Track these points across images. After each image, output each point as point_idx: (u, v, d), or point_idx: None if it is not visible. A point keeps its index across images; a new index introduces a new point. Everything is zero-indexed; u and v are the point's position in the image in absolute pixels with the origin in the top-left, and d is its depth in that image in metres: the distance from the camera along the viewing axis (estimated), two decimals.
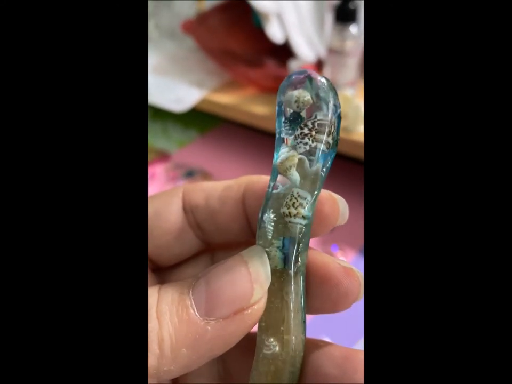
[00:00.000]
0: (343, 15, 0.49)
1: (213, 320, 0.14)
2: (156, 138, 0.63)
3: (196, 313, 0.14)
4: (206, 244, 0.20)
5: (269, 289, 0.15)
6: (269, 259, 0.16)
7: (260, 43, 0.57)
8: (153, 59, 0.67)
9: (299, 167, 0.16)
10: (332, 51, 0.51)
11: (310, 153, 0.16)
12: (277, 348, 0.16)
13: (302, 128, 0.16)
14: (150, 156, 0.59)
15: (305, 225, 0.16)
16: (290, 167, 0.16)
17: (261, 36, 0.55)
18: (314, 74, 0.16)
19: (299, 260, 0.16)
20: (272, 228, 0.16)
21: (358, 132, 0.48)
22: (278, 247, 0.16)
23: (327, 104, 0.16)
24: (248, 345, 0.17)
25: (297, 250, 0.16)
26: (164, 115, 0.66)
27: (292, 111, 0.16)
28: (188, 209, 0.19)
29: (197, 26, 0.60)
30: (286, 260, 0.16)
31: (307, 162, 0.16)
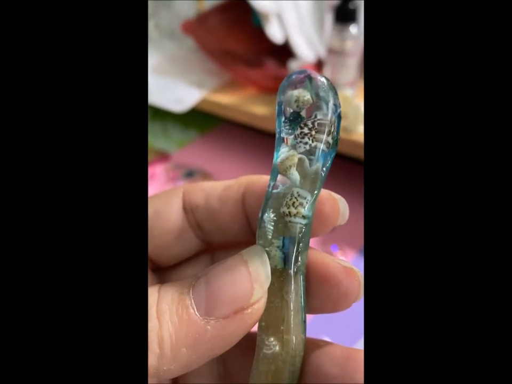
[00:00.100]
0: (343, 15, 0.49)
1: (213, 320, 0.14)
2: (156, 139, 0.63)
3: (196, 312, 0.14)
4: (206, 243, 0.20)
5: (269, 288, 0.15)
6: (269, 258, 0.16)
7: (259, 43, 0.57)
8: (153, 59, 0.67)
9: (299, 167, 0.16)
10: (331, 51, 0.51)
11: (310, 152, 0.16)
12: (277, 348, 0.16)
13: (302, 128, 0.16)
14: (150, 156, 0.59)
15: (305, 224, 0.16)
16: (290, 166, 0.16)
17: (261, 36, 0.55)
18: (314, 74, 0.16)
19: (299, 259, 0.16)
20: (272, 228, 0.16)
21: (357, 132, 0.48)
22: (278, 247, 0.16)
23: (327, 104, 0.16)
24: (248, 344, 0.17)
25: (297, 250, 0.16)
26: (163, 115, 0.66)
27: (291, 110, 0.16)
28: (188, 209, 0.19)
29: (197, 27, 0.60)
30: (286, 260, 0.16)
31: (307, 161, 0.16)
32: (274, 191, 0.16)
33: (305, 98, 0.16)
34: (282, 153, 0.16)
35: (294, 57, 0.55)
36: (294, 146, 0.16)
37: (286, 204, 0.16)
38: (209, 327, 0.14)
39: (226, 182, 0.19)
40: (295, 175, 0.16)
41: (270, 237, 0.16)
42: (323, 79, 0.16)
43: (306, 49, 0.55)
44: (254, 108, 0.55)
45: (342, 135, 0.48)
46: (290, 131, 0.17)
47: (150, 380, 0.14)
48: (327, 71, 0.53)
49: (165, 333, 0.14)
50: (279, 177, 0.17)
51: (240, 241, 0.19)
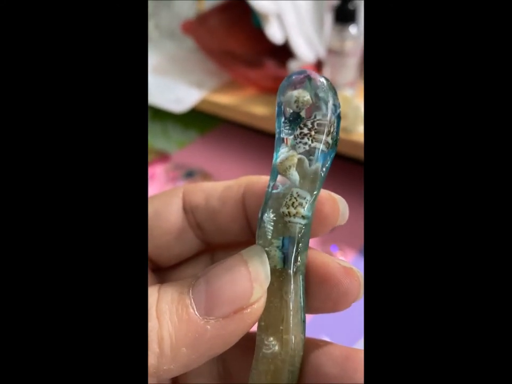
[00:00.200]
0: (343, 16, 0.49)
1: (213, 319, 0.14)
2: (156, 139, 0.63)
3: (196, 312, 0.14)
4: (206, 244, 0.20)
5: (269, 288, 0.15)
6: (269, 258, 0.16)
7: (259, 43, 0.57)
8: (153, 59, 0.67)
9: (299, 167, 0.16)
10: (331, 51, 0.51)
11: (310, 153, 0.16)
12: (276, 347, 0.16)
13: (301, 128, 0.16)
14: (150, 156, 0.59)
15: (304, 225, 0.16)
16: (290, 167, 0.16)
17: (261, 37, 0.55)
18: (314, 74, 0.16)
19: (298, 259, 0.16)
20: (271, 228, 0.16)
21: (357, 132, 0.48)
22: (277, 247, 0.16)
23: (327, 104, 0.16)
24: (247, 344, 0.17)
25: (296, 250, 0.16)
26: (163, 115, 0.66)
27: (291, 111, 0.17)
28: (188, 210, 0.19)
29: (197, 27, 0.60)
30: (285, 260, 0.16)
31: (307, 162, 0.16)
32: (274, 191, 0.17)
33: (305, 98, 0.16)
34: (282, 153, 0.16)
35: (294, 57, 0.55)
36: (293, 147, 0.16)
37: (285, 204, 0.16)
38: (209, 327, 0.14)
39: (226, 182, 0.19)
40: (294, 175, 0.16)
41: (269, 237, 0.16)
42: (323, 80, 0.16)
43: (306, 50, 0.55)
44: (254, 108, 0.55)
45: (342, 135, 0.48)
46: (290, 131, 0.17)
47: (149, 380, 0.14)
48: (326, 71, 0.53)
49: (164, 333, 0.14)
50: (279, 177, 0.17)
51: (240, 241, 0.19)
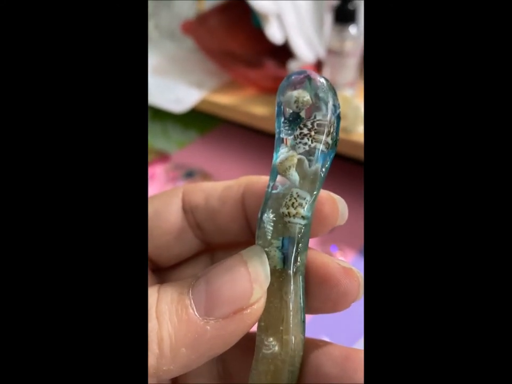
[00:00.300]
0: (343, 16, 0.49)
1: (213, 320, 0.14)
2: (156, 139, 0.63)
3: (195, 313, 0.14)
4: (205, 244, 0.20)
5: (268, 289, 0.15)
6: (268, 259, 0.16)
7: (259, 44, 0.57)
8: (153, 59, 0.67)
9: (298, 167, 0.16)
10: (331, 52, 0.51)
11: (310, 153, 0.16)
12: (276, 348, 0.16)
13: (301, 128, 0.16)
14: (150, 157, 0.59)
15: (304, 225, 0.16)
16: (290, 167, 0.16)
17: (261, 37, 0.55)
18: (314, 74, 0.16)
19: (298, 259, 0.16)
20: (271, 228, 0.16)
21: (357, 132, 0.48)
22: (277, 247, 0.16)
23: (327, 104, 0.16)
24: (247, 344, 0.17)
25: (296, 250, 0.16)
26: (163, 116, 0.66)
27: (291, 111, 0.16)
28: (188, 210, 0.19)
29: (197, 27, 0.60)
30: (285, 260, 0.16)
31: (306, 162, 0.16)
32: (273, 191, 0.16)
33: (305, 99, 0.16)
34: (281, 153, 0.16)
35: (294, 57, 0.55)
36: (293, 147, 0.16)
37: (285, 204, 0.16)
38: (208, 327, 0.14)
39: (226, 182, 0.19)
40: (294, 175, 0.16)
41: (269, 238, 0.16)
42: (322, 80, 0.16)
43: (306, 50, 0.55)
44: (254, 108, 0.55)
45: (342, 135, 0.48)
46: (289, 132, 0.17)
47: (149, 380, 0.14)
48: (326, 71, 0.53)
49: (164, 333, 0.14)
50: (278, 177, 0.17)
51: (239, 241, 0.19)
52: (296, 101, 0.16)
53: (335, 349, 0.16)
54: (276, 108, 0.17)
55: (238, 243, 0.19)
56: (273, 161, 0.17)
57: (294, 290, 0.16)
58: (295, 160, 0.16)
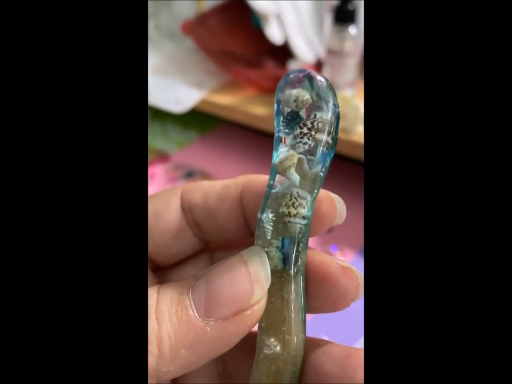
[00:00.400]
0: (342, 16, 0.49)
1: (212, 321, 0.14)
2: (156, 139, 0.63)
3: (195, 313, 0.14)
4: (204, 243, 0.20)
5: (269, 289, 0.15)
6: (268, 259, 0.16)
7: (259, 44, 0.57)
8: (153, 60, 0.67)
9: (298, 167, 0.16)
10: (331, 52, 0.51)
11: (310, 153, 0.16)
12: (278, 348, 0.16)
13: (301, 128, 0.16)
14: (150, 157, 0.59)
15: (304, 225, 0.16)
16: (290, 166, 0.16)
17: (261, 37, 0.55)
18: (313, 73, 0.16)
19: (299, 259, 0.16)
20: (271, 228, 0.16)
21: (357, 132, 0.48)
22: (277, 247, 0.16)
23: (327, 104, 0.16)
24: (248, 345, 0.17)
25: (297, 250, 0.16)
26: (163, 116, 0.66)
27: (289, 110, 0.16)
28: (186, 208, 0.19)
29: (197, 27, 0.60)
30: (285, 260, 0.16)
31: (306, 162, 0.16)
32: (273, 191, 0.16)
33: (305, 98, 0.16)
34: (281, 153, 0.16)
35: (294, 57, 0.55)
36: (293, 146, 0.16)
37: (285, 204, 0.16)
38: (208, 328, 0.14)
39: (225, 181, 0.19)
40: (294, 175, 0.16)
41: (269, 237, 0.16)
42: (322, 79, 0.16)
43: (306, 50, 0.55)
44: (254, 108, 0.55)
45: (341, 135, 0.48)
46: (288, 131, 0.16)
47: (149, 381, 0.14)
48: (326, 71, 0.53)
49: (164, 334, 0.14)
50: (277, 177, 0.16)
51: (238, 240, 0.19)
52: (296, 100, 0.16)
53: (335, 348, 0.16)
54: (275, 106, 0.17)
55: (238, 242, 0.19)
56: (272, 160, 0.17)
57: (295, 290, 0.16)
58: (295, 160, 0.16)
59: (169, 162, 0.59)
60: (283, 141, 0.17)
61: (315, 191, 0.16)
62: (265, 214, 0.16)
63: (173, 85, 0.62)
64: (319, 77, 0.16)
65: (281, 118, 0.17)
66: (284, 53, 0.55)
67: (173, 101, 0.59)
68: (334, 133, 0.16)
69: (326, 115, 0.16)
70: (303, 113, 0.16)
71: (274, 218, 0.16)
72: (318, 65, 0.56)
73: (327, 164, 0.16)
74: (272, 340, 0.16)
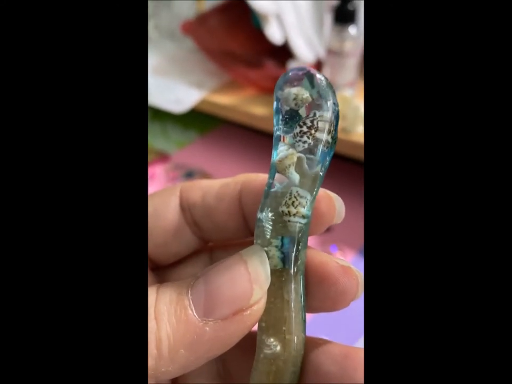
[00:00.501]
0: (342, 16, 0.49)
1: (212, 321, 0.14)
2: (156, 139, 0.63)
3: (194, 313, 0.14)
4: (203, 242, 0.20)
5: (269, 289, 0.15)
6: (268, 258, 0.16)
7: (259, 44, 0.57)
8: (153, 60, 0.67)
9: (298, 166, 0.16)
10: (331, 52, 0.51)
11: (309, 151, 0.16)
12: (278, 348, 0.16)
13: (301, 126, 0.16)
14: (150, 157, 0.59)
15: (304, 224, 0.16)
16: (290, 165, 0.16)
17: (261, 37, 0.55)
18: (313, 71, 0.16)
19: (299, 258, 0.16)
20: (270, 227, 0.16)
21: (357, 132, 0.48)
22: (276, 246, 0.16)
23: (327, 102, 0.16)
24: (248, 344, 0.17)
25: (297, 249, 0.16)
26: (163, 116, 0.66)
27: (288, 108, 0.16)
28: (185, 207, 0.19)
29: (197, 27, 0.60)
30: (285, 259, 0.16)
31: (306, 160, 0.16)
32: (272, 190, 0.16)
33: (304, 96, 0.16)
34: (281, 151, 0.16)
35: (294, 57, 0.55)
36: (292, 145, 0.16)
37: (285, 203, 0.16)
38: (207, 328, 0.14)
39: (223, 180, 0.19)
40: (294, 174, 0.16)
41: (268, 237, 0.16)
42: (322, 77, 0.16)
43: (306, 50, 0.55)
44: (254, 108, 0.55)
45: (341, 135, 0.48)
46: (288, 129, 0.16)
47: (148, 381, 0.14)
48: (326, 71, 0.53)
49: (162, 334, 0.13)
50: (277, 175, 0.16)
51: (237, 239, 0.19)
52: (295, 98, 0.16)
53: (335, 348, 0.16)
54: (274, 104, 0.17)
55: (238, 242, 0.19)
56: (272, 158, 0.17)
57: (295, 290, 0.16)
58: (295, 159, 0.16)
59: (169, 162, 0.59)
60: (282, 139, 0.16)
61: (315, 190, 0.16)
62: (264, 213, 0.16)
63: (173, 85, 0.62)
64: (318, 75, 0.16)
65: (281, 117, 0.16)
66: (284, 53, 0.55)
67: (173, 101, 0.59)
68: (334, 132, 0.16)
69: (326, 114, 0.16)
70: (302, 111, 0.16)
71: (273, 217, 0.16)
72: (318, 65, 0.56)
73: (327, 163, 0.16)
74: (272, 339, 0.16)
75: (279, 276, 0.16)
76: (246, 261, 0.15)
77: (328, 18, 0.54)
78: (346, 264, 0.16)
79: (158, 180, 0.56)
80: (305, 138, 0.16)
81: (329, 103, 0.16)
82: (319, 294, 0.16)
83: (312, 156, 0.16)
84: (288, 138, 0.16)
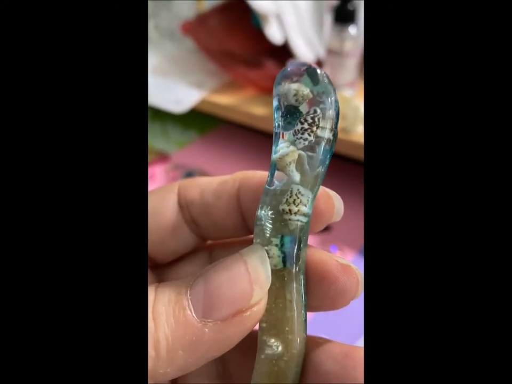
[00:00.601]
0: (342, 16, 0.49)
1: (211, 322, 0.14)
2: (156, 139, 0.63)
3: (193, 314, 0.14)
4: (202, 239, 0.20)
5: (270, 289, 0.15)
6: (268, 258, 0.15)
7: (259, 44, 0.57)
8: (153, 60, 0.67)
9: (298, 164, 0.16)
10: (331, 52, 0.51)
11: (310, 149, 0.16)
12: (280, 348, 0.15)
13: (302, 123, 0.16)
14: (150, 157, 0.59)
15: (305, 222, 0.16)
16: (290, 163, 0.16)
17: (260, 37, 0.55)
18: (315, 66, 0.16)
19: (300, 257, 0.16)
20: (270, 226, 0.16)
21: (357, 132, 0.48)
22: (276, 245, 0.16)
23: (328, 99, 0.16)
24: (248, 344, 0.17)
25: (298, 248, 0.16)
26: (163, 116, 0.66)
27: (286, 103, 0.16)
28: (183, 205, 0.19)
29: (197, 27, 0.60)
30: (286, 258, 0.16)
31: (307, 158, 0.16)
32: (271, 187, 0.16)
33: (305, 92, 0.16)
34: (281, 148, 0.16)
35: (294, 57, 0.55)
36: (293, 142, 0.16)
37: (286, 201, 0.16)
38: (206, 330, 0.14)
39: (222, 177, 0.19)
40: (294, 172, 0.16)
41: (268, 235, 0.16)
42: (324, 73, 0.16)
43: (306, 50, 0.55)
44: (254, 108, 0.55)
45: (341, 136, 0.48)
46: (286, 126, 0.16)
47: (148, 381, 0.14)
48: (326, 71, 0.53)
49: (160, 335, 0.13)
50: (276, 173, 0.16)
51: (235, 236, 0.19)
52: (296, 94, 0.16)
53: (335, 347, 0.16)
54: (274, 101, 0.16)
55: (237, 240, 0.19)
56: (272, 156, 0.16)
57: (297, 289, 0.16)
58: (296, 156, 0.16)
59: (169, 163, 0.58)
60: (282, 136, 0.16)
61: (316, 188, 0.16)
62: (263, 211, 0.16)
63: (173, 85, 0.62)
64: (320, 72, 0.16)
65: (281, 113, 0.16)
66: (283, 53, 0.55)
67: (173, 101, 0.59)
68: (334, 129, 0.16)
69: (328, 111, 0.16)
70: (303, 108, 0.16)
71: (273, 215, 0.16)
72: (318, 65, 0.56)
73: (327, 161, 0.16)
74: (274, 340, 0.15)
75: (280, 275, 0.16)
76: (246, 260, 0.15)
77: (328, 18, 0.54)
78: (346, 262, 0.16)
79: (158, 180, 0.56)
80: (306, 135, 0.16)
81: (331, 99, 0.16)
82: (318, 292, 0.16)
83: (313, 154, 0.16)
84: (288, 135, 0.16)
